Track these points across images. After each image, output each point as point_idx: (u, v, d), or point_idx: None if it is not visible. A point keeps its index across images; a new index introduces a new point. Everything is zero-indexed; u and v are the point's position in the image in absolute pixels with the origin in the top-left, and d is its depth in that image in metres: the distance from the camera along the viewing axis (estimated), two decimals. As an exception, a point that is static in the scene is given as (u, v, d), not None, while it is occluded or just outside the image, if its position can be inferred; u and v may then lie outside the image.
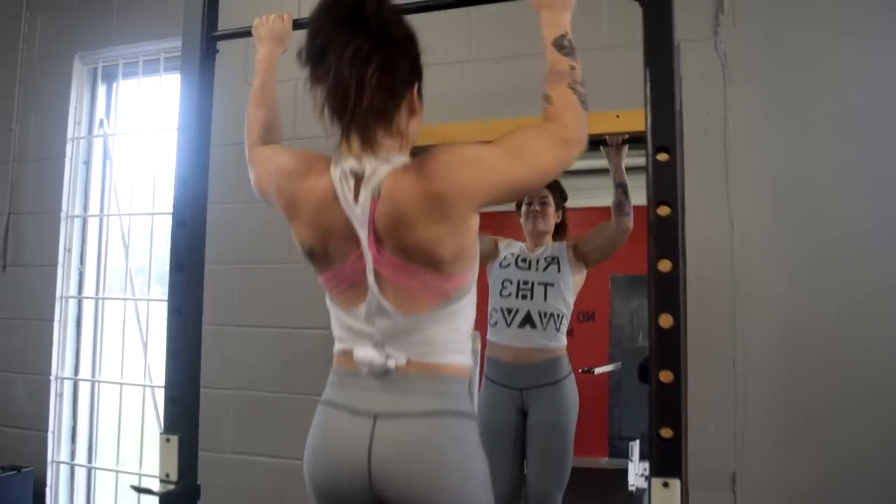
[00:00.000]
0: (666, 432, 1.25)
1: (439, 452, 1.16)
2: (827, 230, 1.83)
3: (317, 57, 1.15)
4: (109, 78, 2.78)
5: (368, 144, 1.18)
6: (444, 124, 2.02)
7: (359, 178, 1.17)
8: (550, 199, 2.32)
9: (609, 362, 4.76)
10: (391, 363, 1.18)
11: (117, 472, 2.61)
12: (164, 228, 2.66)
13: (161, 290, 2.69)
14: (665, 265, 1.28)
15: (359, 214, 1.16)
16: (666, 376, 1.26)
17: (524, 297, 2.20)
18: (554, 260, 2.24)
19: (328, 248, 1.20)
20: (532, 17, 1.84)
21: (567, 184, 2.47)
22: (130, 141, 2.79)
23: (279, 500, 2.30)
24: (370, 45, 1.11)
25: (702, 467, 1.81)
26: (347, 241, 1.18)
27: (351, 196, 1.16)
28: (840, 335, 1.80)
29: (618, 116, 1.97)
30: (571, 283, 2.24)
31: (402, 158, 1.18)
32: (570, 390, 2.22)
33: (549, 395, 2.18)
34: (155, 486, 1.70)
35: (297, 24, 1.56)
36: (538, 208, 2.29)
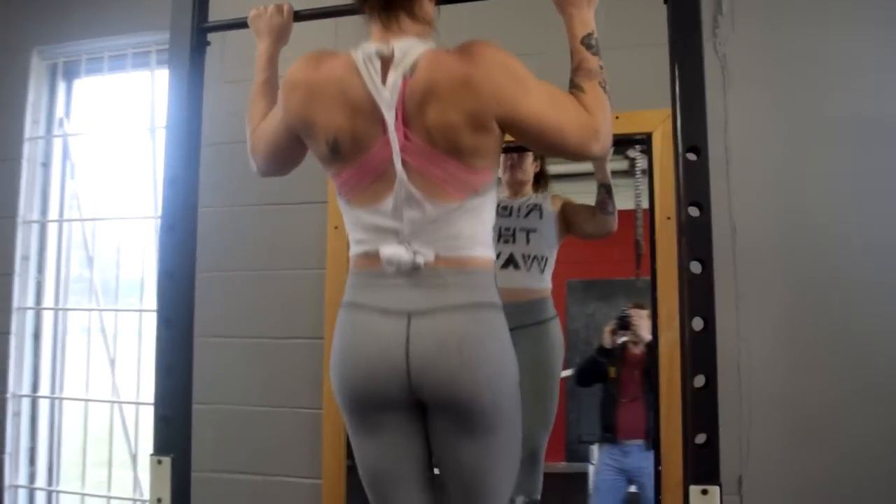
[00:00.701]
0: (701, 438, 1.22)
1: (478, 345, 1.16)
2: (828, 232, 1.84)
3: None
4: (70, 74, 2.61)
5: (398, 25, 1.17)
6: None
7: (386, 60, 1.14)
8: None
9: (567, 367, 4.81)
10: (420, 259, 1.16)
11: (83, 494, 2.44)
12: (131, 235, 2.51)
13: (127, 301, 2.54)
14: (697, 267, 1.25)
15: (387, 97, 1.13)
16: (700, 381, 1.23)
17: (506, 241, 2.16)
18: (536, 207, 2.20)
19: (354, 134, 1.17)
20: (521, 17, 1.81)
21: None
22: (93, 142, 2.62)
23: (263, 520, 2.18)
24: None
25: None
26: (372, 125, 1.15)
27: (378, 78, 1.14)
28: (841, 335, 1.81)
29: (617, 118, 1.95)
30: (554, 231, 2.20)
31: (431, 44, 1.17)
32: (556, 332, 2.21)
33: (533, 335, 2.16)
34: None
35: (297, 16, 1.48)
36: (516, 157, 2.25)
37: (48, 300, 2.56)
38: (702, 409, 1.23)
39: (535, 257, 2.17)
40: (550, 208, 2.21)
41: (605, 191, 2.11)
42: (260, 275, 2.26)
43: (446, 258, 1.17)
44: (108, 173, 2.54)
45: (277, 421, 2.19)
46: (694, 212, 1.25)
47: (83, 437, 2.42)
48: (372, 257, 1.20)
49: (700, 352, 1.23)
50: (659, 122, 2.01)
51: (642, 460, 3.13)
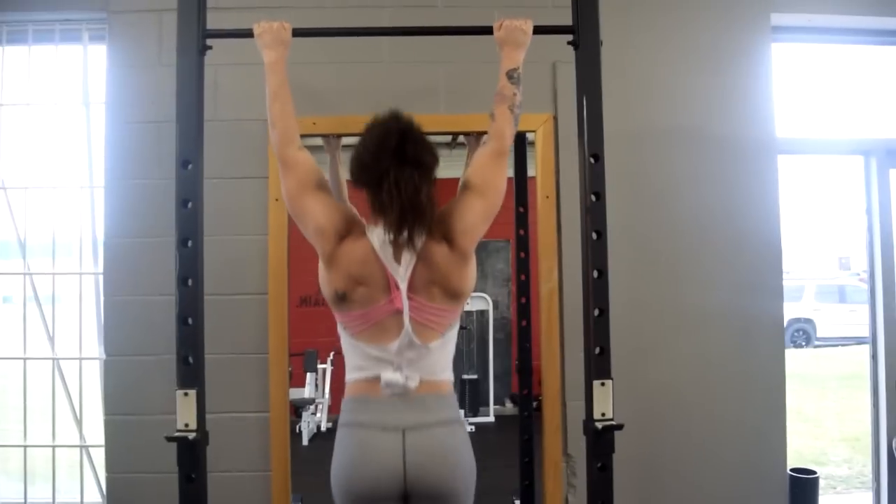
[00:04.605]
0: (599, 350, 1.81)
1: (457, 453, 1.62)
2: (659, 214, 2.55)
3: (377, 182, 1.60)
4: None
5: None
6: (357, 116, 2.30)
7: (399, 245, 1.61)
8: None
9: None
10: (411, 383, 1.62)
11: (26, 447, 2.59)
12: (60, 203, 2.63)
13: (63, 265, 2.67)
14: (596, 235, 1.83)
15: (402, 273, 1.62)
16: (598, 311, 1.82)
17: None
18: None
19: (358, 295, 1.62)
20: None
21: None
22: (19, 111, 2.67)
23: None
24: (419, 175, 1.60)
25: (577, 385, 2.36)
26: (379, 290, 1.63)
27: (392, 259, 1.62)
28: (666, 286, 2.55)
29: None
30: None
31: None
32: None
33: None
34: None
35: (294, 33, 1.83)
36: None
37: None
38: (599, 330, 1.81)
39: None
40: None
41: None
42: (209, 240, 2.52)
43: (427, 382, 1.63)
44: (34, 142, 2.62)
45: (228, 365, 2.50)
46: (594, 198, 1.83)
47: (23, 394, 2.55)
48: (371, 382, 1.62)
49: (598, 292, 1.82)
50: (541, 123, 2.58)
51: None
